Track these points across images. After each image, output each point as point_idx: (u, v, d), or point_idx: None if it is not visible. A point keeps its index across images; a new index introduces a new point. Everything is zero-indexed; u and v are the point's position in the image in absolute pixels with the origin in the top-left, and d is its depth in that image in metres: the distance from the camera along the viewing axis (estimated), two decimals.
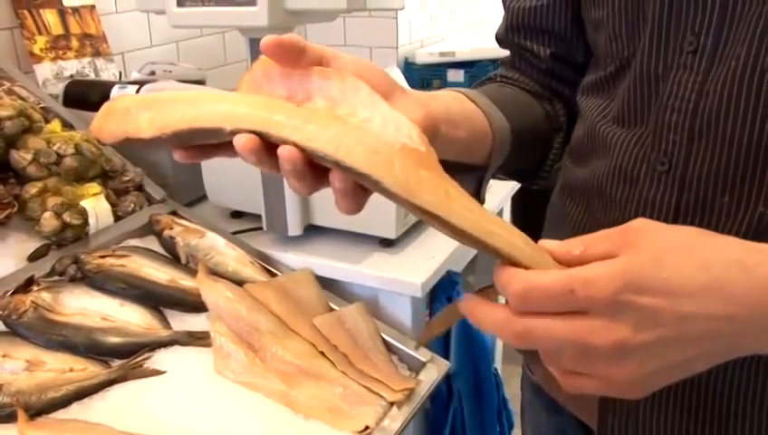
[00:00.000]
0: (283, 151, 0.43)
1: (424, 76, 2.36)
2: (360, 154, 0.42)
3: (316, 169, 0.44)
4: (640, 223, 0.44)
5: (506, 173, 0.74)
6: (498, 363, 1.74)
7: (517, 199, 1.73)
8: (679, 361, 0.43)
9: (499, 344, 1.74)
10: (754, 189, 0.53)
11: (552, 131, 0.75)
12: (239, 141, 0.43)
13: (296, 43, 0.47)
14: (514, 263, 0.43)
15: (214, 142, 0.46)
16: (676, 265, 0.41)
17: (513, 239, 0.44)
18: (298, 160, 0.43)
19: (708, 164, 0.55)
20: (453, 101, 0.63)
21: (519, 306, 0.42)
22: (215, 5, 0.98)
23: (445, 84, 2.29)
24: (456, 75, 2.29)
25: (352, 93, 0.47)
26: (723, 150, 0.54)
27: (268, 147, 0.44)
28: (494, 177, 0.70)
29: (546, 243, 0.45)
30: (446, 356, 1.24)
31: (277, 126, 0.43)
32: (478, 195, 0.66)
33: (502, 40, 0.79)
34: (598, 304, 0.41)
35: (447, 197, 0.43)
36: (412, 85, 2.45)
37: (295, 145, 0.43)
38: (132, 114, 0.46)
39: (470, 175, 0.65)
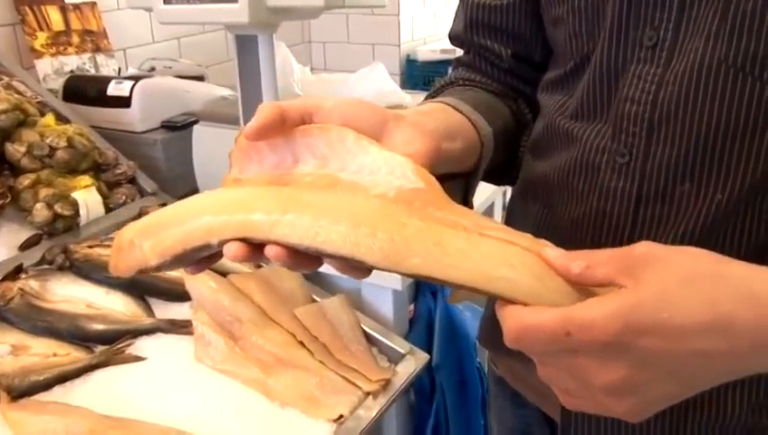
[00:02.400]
0: (269, 252, 0.44)
1: (425, 74, 2.37)
2: (338, 237, 0.42)
3: (310, 255, 0.44)
4: (645, 248, 0.42)
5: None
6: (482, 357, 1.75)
7: None
8: (680, 392, 0.43)
9: None
10: (713, 177, 0.54)
11: (519, 129, 0.75)
12: (228, 253, 0.45)
13: (275, 117, 0.47)
14: (517, 301, 0.42)
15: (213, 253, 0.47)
16: (678, 301, 0.40)
17: (513, 275, 0.42)
18: (285, 257, 0.44)
19: (669, 153, 0.56)
20: (444, 115, 0.63)
21: (513, 345, 0.42)
22: (198, 3, 1.01)
23: None
24: None
25: (339, 144, 0.47)
26: (683, 140, 0.55)
27: (258, 245, 0.44)
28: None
29: (549, 251, 0.44)
30: (430, 349, 1.26)
31: (256, 228, 0.44)
32: (465, 202, 0.66)
33: (459, 37, 0.78)
34: (593, 347, 0.40)
35: (439, 249, 0.42)
36: (414, 83, 2.47)
37: (277, 243, 0.43)
38: (137, 245, 0.47)
39: (456, 182, 0.64)
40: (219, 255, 0.47)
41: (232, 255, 0.44)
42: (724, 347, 0.40)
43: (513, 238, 0.44)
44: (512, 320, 0.42)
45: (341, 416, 0.93)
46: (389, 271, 0.42)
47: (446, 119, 0.61)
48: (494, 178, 0.77)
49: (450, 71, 0.80)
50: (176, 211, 0.48)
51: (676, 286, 0.40)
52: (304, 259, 0.44)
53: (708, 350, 0.40)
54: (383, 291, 1.18)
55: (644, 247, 0.42)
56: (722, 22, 0.52)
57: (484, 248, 0.43)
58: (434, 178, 0.46)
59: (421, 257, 0.42)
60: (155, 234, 0.47)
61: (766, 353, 0.41)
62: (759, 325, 0.40)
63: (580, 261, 0.43)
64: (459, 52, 0.80)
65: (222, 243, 0.45)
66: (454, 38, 0.79)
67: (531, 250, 0.44)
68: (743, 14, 0.51)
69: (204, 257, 0.48)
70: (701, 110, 0.53)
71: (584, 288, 0.43)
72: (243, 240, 0.44)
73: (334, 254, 0.42)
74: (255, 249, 0.45)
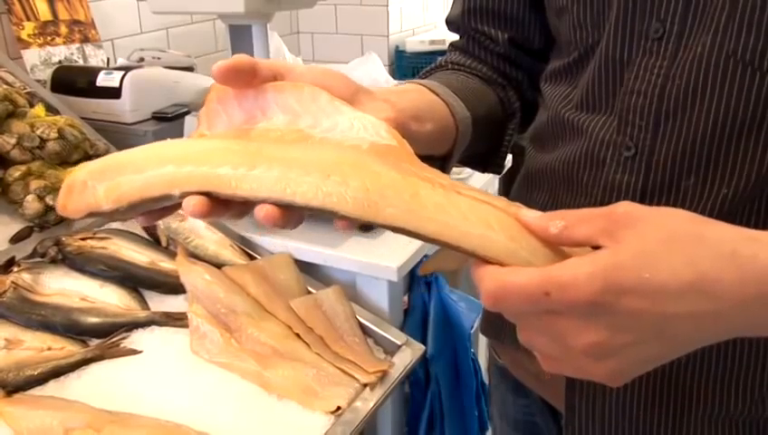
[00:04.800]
0: (259, 213, 0.42)
1: (414, 64, 2.37)
2: (309, 188, 0.41)
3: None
4: (626, 208, 0.41)
5: (460, 160, 0.73)
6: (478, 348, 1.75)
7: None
8: (661, 354, 0.42)
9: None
10: (719, 171, 0.54)
11: (505, 118, 0.75)
12: (187, 207, 0.42)
13: (247, 64, 0.46)
14: (493, 261, 0.41)
15: (171, 204, 0.45)
16: (660, 261, 0.39)
17: (490, 233, 0.41)
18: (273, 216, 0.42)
19: (674, 147, 0.55)
20: (417, 95, 0.62)
21: (491, 307, 0.41)
22: None
23: None
24: None
25: (311, 102, 0.46)
26: (689, 134, 0.55)
27: (221, 201, 0.43)
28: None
29: (526, 213, 0.43)
30: (424, 340, 1.26)
31: (223, 183, 0.42)
32: None
33: (455, 22, 0.77)
34: (573, 307, 0.39)
35: (415, 201, 0.41)
36: (403, 74, 2.46)
37: (245, 200, 0.42)
38: (90, 187, 0.45)
39: (431, 164, 0.65)
40: (176, 207, 0.45)
41: (191, 209, 0.42)
42: (705, 308, 0.39)
43: (490, 199, 0.43)
44: (490, 281, 0.40)
45: (339, 408, 0.92)
46: (364, 221, 0.41)
47: (417, 99, 0.60)
48: (477, 164, 0.77)
49: (440, 59, 0.80)
50: (135, 156, 0.45)
51: (657, 246, 0.40)
52: (283, 212, 0.42)
53: (689, 311, 0.39)
54: (378, 282, 1.17)
55: (625, 208, 0.41)
56: (730, 15, 0.51)
57: (463, 205, 0.42)
58: (406, 142, 0.46)
59: (397, 208, 0.40)
60: (111, 177, 0.44)
61: (748, 315, 0.41)
62: (741, 286, 0.39)
63: (558, 220, 0.42)
64: (449, 42, 0.80)
65: (184, 195, 0.43)
66: (451, 22, 0.79)
67: (507, 212, 0.43)
68: (752, 8, 0.50)
69: (159, 208, 0.46)
70: (708, 104, 0.53)
71: (561, 250, 0.42)
72: (206, 194, 0.42)
73: (306, 205, 0.41)
74: (218, 205, 0.43)
